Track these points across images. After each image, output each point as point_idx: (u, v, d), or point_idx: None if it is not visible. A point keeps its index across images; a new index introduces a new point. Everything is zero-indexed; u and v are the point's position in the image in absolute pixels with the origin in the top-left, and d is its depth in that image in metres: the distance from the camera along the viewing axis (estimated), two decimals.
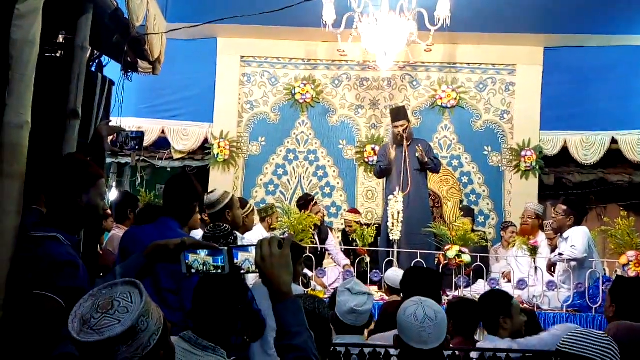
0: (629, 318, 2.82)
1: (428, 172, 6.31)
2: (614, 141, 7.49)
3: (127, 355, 1.30)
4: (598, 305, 4.93)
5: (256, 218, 5.42)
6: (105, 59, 3.69)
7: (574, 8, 6.60)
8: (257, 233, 5.11)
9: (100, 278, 2.17)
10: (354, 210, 7.06)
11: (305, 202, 6.17)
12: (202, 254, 1.77)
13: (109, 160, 7.42)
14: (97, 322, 1.30)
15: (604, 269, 5.58)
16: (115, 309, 1.32)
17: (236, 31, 7.47)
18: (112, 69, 3.84)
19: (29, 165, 2.07)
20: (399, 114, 6.28)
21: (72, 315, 1.34)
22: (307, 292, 4.82)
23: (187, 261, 1.78)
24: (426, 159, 6.01)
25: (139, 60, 4.10)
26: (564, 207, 5.32)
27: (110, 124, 2.77)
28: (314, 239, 5.74)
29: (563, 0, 6.48)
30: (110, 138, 2.70)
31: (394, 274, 4.66)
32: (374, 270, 5.43)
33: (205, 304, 2.06)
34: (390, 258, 5.55)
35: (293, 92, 7.85)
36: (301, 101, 7.85)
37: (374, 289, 5.38)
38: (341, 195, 7.83)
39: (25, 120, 2.04)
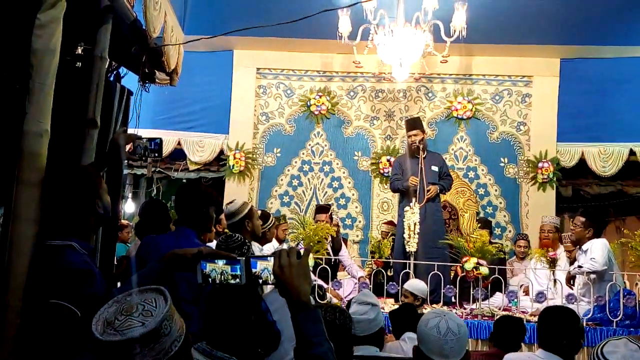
0: None
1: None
2: (632, 153, 7.41)
3: (148, 358, 1.30)
4: (619, 318, 4.84)
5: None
6: (123, 70, 3.72)
7: (590, 19, 6.58)
8: (271, 245, 5.11)
9: (117, 288, 2.16)
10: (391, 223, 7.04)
11: (316, 209, 6.18)
12: (220, 263, 1.76)
13: (125, 171, 7.48)
14: (120, 323, 1.30)
15: (624, 282, 5.48)
16: (140, 312, 1.33)
17: (252, 43, 7.53)
18: (129, 80, 3.87)
19: (48, 173, 2.08)
20: (413, 123, 6.26)
21: (96, 318, 1.35)
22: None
23: (204, 270, 1.77)
24: (437, 190, 5.97)
25: (156, 71, 4.14)
26: (583, 219, 5.24)
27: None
28: (329, 250, 5.72)
29: (579, 11, 6.46)
30: (127, 147, 2.70)
31: (418, 284, 4.69)
32: (390, 283, 5.38)
33: (218, 315, 2.05)
34: (407, 270, 5.50)
35: (308, 104, 7.87)
36: (316, 113, 7.86)
37: (390, 301, 5.33)
38: (356, 207, 7.80)
39: (44, 128, 2.05)
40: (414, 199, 5.79)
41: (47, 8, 2.03)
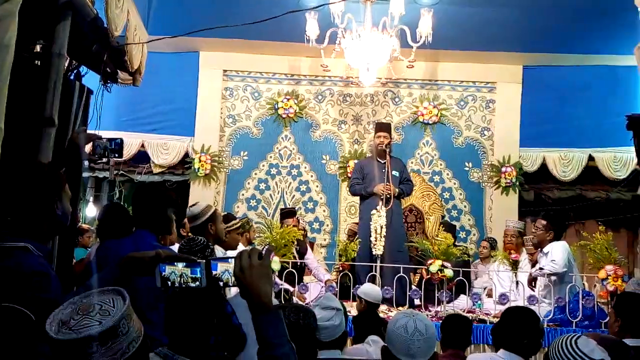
0: (634, 332, 2.84)
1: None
2: (591, 158, 7.63)
3: (105, 358, 1.27)
4: (578, 319, 4.95)
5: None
6: (84, 69, 3.63)
7: (552, 28, 6.74)
8: (239, 248, 5.06)
9: (73, 292, 2.10)
10: None
11: (283, 214, 6.15)
12: (179, 265, 1.72)
13: (86, 174, 7.30)
14: (76, 322, 1.27)
15: (584, 284, 5.62)
16: (97, 311, 1.29)
17: (218, 45, 7.48)
18: (91, 81, 3.77)
19: (3, 173, 2.00)
20: (383, 126, 6.39)
21: (50, 319, 1.30)
22: None
23: (163, 273, 1.73)
24: (397, 192, 6.02)
25: (118, 71, 4.05)
26: (544, 222, 5.36)
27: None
28: (295, 253, 5.69)
29: (541, 20, 6.61)
30: (87, 148, 2.64)
31: (372, 289, 4.69)
32: (357, 286, 5.38)
33: (179, 318, 2.01)
34: (373, 273, 5.52)
35: (276, 107, 7.84)
36: (284, 116, 7.84)
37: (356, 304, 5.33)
38: (324, 211, 7.80)
39: None
40: (380, 203, 5.82)
41: (1, 2, 1.96)
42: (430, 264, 5.32)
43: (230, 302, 2.99)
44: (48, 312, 1.41)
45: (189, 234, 3.87)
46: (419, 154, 7.87)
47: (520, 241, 6.20)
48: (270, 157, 7.86)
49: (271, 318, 1.47)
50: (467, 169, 7.84)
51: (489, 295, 5.72)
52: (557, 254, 5.17)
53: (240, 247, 5.30)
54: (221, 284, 1.67)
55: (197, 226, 3.62)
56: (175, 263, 1.71)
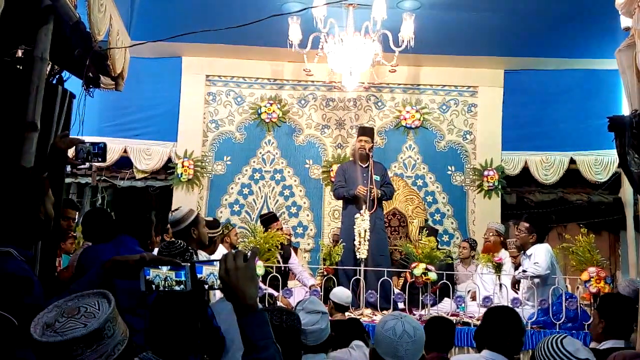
0: (617, 334, 2.86)
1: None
2: (572, 161, 7.71)
3: None
4: (562, 321, 5.01)
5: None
6: (66, 73, 3.60)
7: (533, 32, 6.82)
8: (220, 253, 5.04)
9: (56, 296, 2.07)
10: None
11: (267, 219, 6.13)
12: (164, 269, 1.71)
13: (68, 180, 7.22)
14: (61, 325, 1.26)
15: (566, 286, 5.68)
16: (82, 314, 1.29)
17: (201, 50, 7.46)
18: (73, 86, 3.74)
19: None
20: (366, 130, 6.40)
21: (35, 322, 1.30)
22: None
23: (147, 277, 1.71)
24: (379, 195, 6.05)
25: (101, 76, 4.02)
26: (527, 225, 5.42)
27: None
28: (279, 258, 5.68)
29: (522, 24, 6.69)
30: (70, 152, 2.61)
31: (341, 292, 4.67)
32: None
33: (164, 322, 1.99)
34: (358, 277, 5.53)
35: (259, 112, 7.84)
36: (267, 120, 7.84)
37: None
38: (307, 215, 7.80)
39: None
40: (364, 206, 5.84)
41: None
42: (414, 267, 5.34)
43: (211, 307, 2.99)
44: (31, 317, 1.40)
45: (172, 238, 3.85)
46: (401, 158, 7.91)
47: (498, 240, 6.25)
48: (254, 162, 7.85)
49: (256, 320, 1.47)
50: (449, 172, 7.90)
51: (473, 298, 5.76)
52: (539, 256, 5.22)
53: (224, 250, 5.29)
54: (206, 286, 1.67)
55: (179, 231, 3.60)
56: (160, 266, 1.71)
